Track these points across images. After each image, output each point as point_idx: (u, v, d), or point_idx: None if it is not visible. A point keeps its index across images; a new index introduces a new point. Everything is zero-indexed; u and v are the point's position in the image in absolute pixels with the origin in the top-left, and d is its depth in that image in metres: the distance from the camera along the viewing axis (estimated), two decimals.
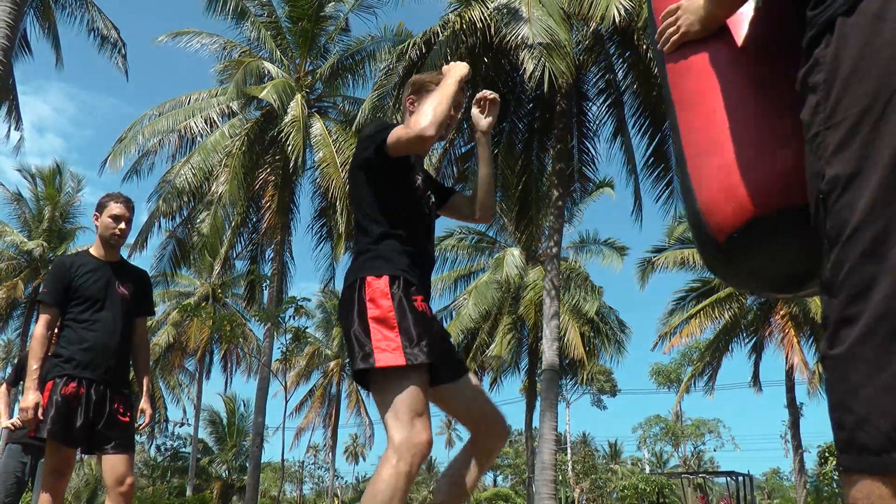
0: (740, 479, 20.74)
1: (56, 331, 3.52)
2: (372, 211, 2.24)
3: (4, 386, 5.06)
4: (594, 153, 12.50)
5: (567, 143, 11.67)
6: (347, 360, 35.05)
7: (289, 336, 14.00)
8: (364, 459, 77.53)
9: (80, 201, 23.60)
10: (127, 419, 3.43)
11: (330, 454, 35.60)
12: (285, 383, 15.60)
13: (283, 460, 16.05)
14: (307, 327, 14.82)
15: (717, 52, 1.69)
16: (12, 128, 13.29)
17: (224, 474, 35.46)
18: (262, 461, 16.37)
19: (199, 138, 15.50)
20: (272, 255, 15.81)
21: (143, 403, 3.51)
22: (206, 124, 15.56)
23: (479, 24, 10.13)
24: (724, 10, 1.59)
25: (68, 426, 3.24)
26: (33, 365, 3.27)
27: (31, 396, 3.23)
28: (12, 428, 4.69)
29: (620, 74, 11.74)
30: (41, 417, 3.24)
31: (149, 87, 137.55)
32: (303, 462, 48.81)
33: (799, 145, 1.42)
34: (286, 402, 15.51)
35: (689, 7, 1.63)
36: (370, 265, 2.14)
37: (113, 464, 3.30)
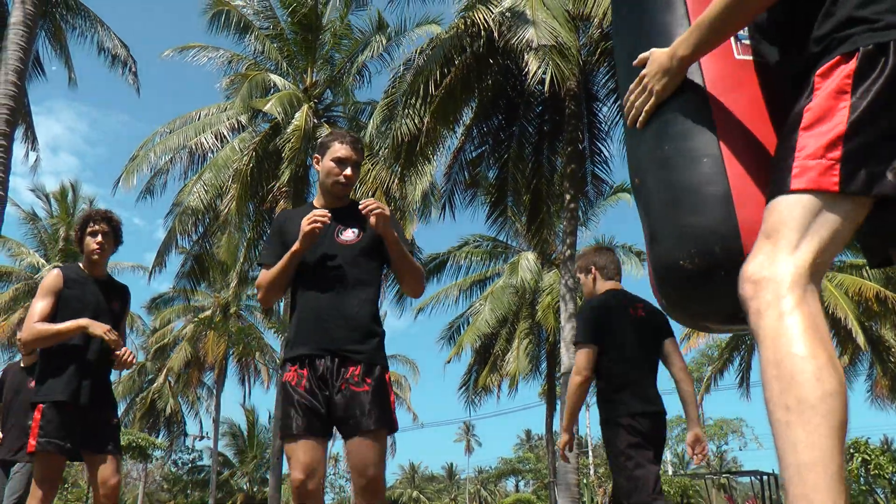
0: (765, 478, 20.44)
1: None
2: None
3: None
4: (607, 154, 12.40)
5: (578, 145, 11.58)
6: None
7: None
8: None
9: None
10: None
11: None
12: None
13: None
14: None
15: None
16: (29, 149, 13.43)
17: (245, 486, 35.52)
18: (283, 472, 16.32)
19: (210, 154, 15.56)
20: None
21: None
22: (217, 140, 15.61)
23: (483, 27, 10.11)
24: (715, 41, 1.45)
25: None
26: None
27: None
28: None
29: None
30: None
31: (160, 102, 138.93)
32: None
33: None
34: None
35: (654, 66, 1.51)
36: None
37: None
